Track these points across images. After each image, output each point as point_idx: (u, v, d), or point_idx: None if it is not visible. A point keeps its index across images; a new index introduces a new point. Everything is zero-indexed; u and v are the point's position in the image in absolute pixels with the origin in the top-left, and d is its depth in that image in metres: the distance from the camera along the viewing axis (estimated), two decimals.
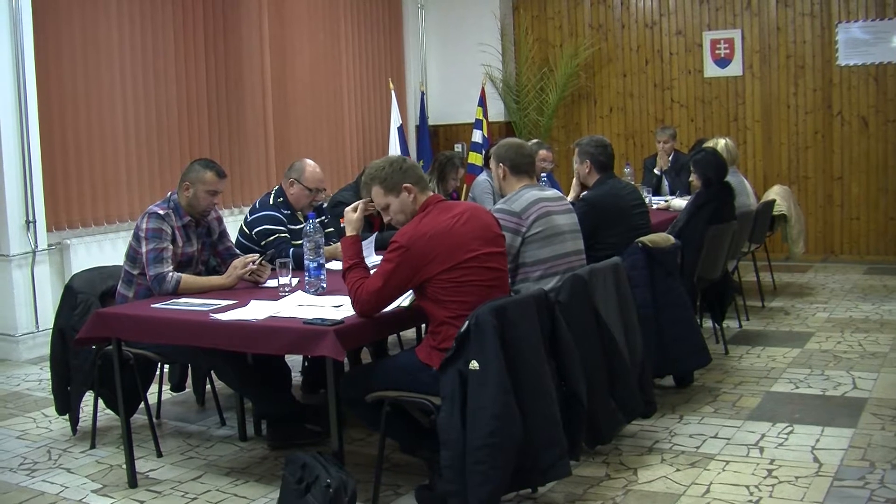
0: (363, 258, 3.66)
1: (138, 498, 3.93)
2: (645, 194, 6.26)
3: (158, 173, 7.38)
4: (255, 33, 8.34)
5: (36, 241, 6.48)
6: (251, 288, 4.35)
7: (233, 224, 5.66)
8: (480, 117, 9.91)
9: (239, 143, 8.18)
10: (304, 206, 5.07)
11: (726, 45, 9.49)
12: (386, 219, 3.73)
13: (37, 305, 6.52)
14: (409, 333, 5.45)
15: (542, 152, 6.94)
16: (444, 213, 3.54)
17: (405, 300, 3.66)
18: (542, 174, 6.58)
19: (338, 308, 3.66)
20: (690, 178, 6.00)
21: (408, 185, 3.59)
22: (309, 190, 5.03)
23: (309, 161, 5.12)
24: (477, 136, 9.87)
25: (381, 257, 3.76)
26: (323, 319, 3.42)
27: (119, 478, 4.14)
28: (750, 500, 3.61)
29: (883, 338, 6.06)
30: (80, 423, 4.78)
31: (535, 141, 7.25)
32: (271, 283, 4.33)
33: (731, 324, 6.46)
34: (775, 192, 7.54)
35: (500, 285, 3.59)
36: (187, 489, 4.00)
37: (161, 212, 4.40)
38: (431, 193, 3.67)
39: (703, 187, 5.63)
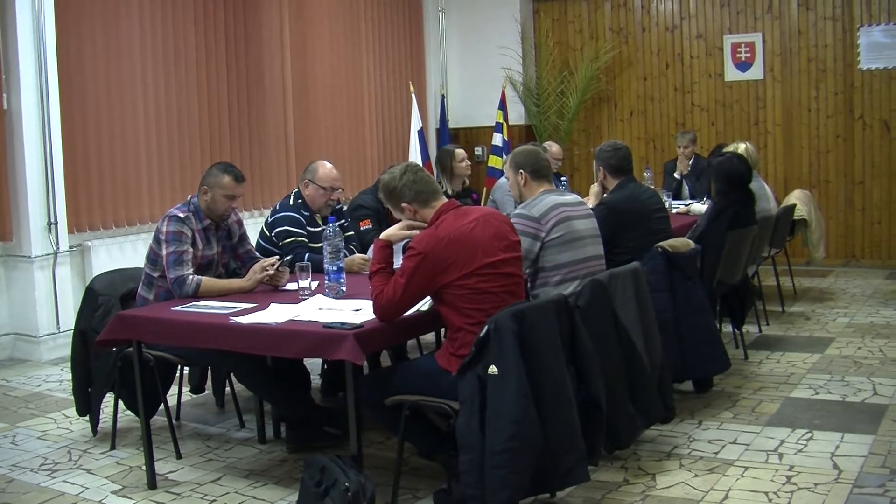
0: (391, 263, 3.67)
1: (158, 499, 3.95)
2: (665, 198, 6.24)
3: (179, 176, 7.42)
4: (276, 37, 8.38)
5: (57, 243, 6.53)
6: (271, 291, 4.37)
7: (253, 227, 5.68)
8: (501, 121, 9.90)
9: (260, 146, 8.22)
10: (322, 207, 5.08)
11: (747, 49, 9.45)
12: None
13: (58, 307, 6.57)
14: (429, 337, 5.45)
15: (555, 149, 6.94)
16: (460, 219, 3.54)
17: (424, 304, 3.66)
18: (562, 178, 6.57)
19: (357, 312, 3.67)
20: (711, 182, 5.97)
21: (405, 204, 3.67)
22: (323, 189, 5.04)
23: (323, 161, 5.14)
24: (497, 139, 9.86)
25: None
26: (342, 323, 3.43)
27: (139, 479, 4.16)
28: None
29: None
30: (100, 425, 4.81)
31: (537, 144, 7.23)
32: (291, 286, 4.34)
33: (750, 329, 6.42)
34: (796, 197, 7.50)
35: (517, 291, 3.59)
36: (206, 491, 4.02)
37: (181, 215, 4.43)
38: (444, 200, 3.67)
39: (724, 192, 5.60)
